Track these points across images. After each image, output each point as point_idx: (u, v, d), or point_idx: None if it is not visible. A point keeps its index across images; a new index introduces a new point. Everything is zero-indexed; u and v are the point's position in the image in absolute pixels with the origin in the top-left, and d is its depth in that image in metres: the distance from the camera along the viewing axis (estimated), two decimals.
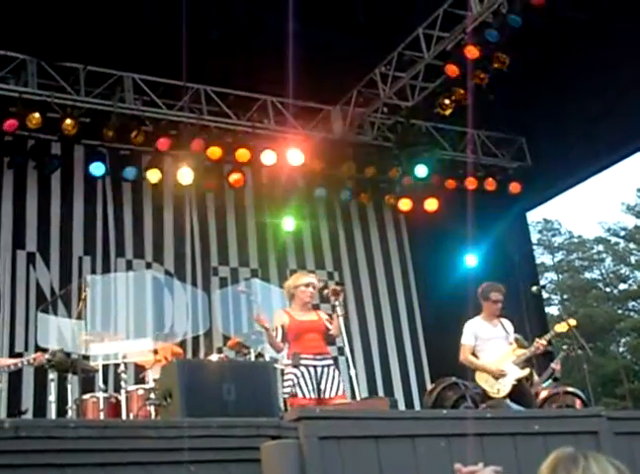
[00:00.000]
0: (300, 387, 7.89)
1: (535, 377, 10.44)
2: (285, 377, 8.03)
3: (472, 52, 12.03)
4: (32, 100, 12.20)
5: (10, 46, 12.05)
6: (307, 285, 8.46)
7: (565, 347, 10.81)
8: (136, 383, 10.11)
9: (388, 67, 13.58)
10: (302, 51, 12.09)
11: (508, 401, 8.83)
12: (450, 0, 12.27)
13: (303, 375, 7.93)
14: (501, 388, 9.34)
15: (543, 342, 9.63)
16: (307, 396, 7.89)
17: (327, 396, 7.99)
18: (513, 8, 11.55)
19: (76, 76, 12.67)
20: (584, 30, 12.85)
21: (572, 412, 7.72)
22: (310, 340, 8.20)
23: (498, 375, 9.35)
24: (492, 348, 9.59)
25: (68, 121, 12.30)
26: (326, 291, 9.01)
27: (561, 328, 9.78)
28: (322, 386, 7.99)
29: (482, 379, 9.47)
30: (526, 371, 9.50)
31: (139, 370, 10.47)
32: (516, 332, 9.95)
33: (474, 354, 9.63)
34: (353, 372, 8.68)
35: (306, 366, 7.99)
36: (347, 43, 13.70)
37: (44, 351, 9.14)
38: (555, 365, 10.62)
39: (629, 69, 13.50)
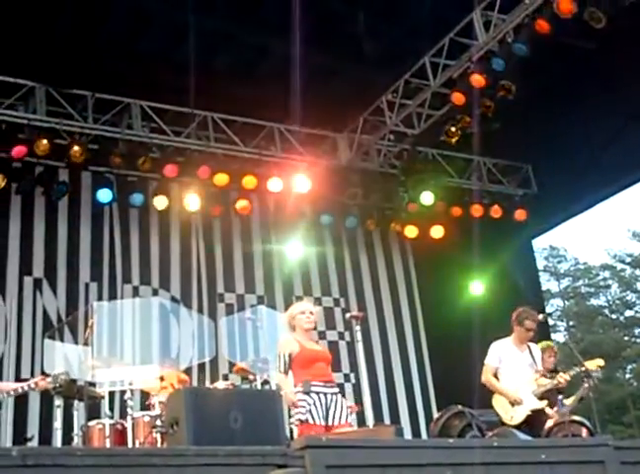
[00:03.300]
0: (311, 414, 7.89)
1: (566, 401, 10.22)
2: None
3: (478, 81, 12.08)
4: (40, 127, 12.28)
5: (19, 74, 12.13)
6: (303, 312, 8.47)
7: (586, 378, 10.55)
8: (142, 410, 10.11)
9: (395, 95, 13.65)
10: (309, 79, 12.16)
11: (514, 430, 8.81)
12: (457, 29, 12.35)
13: (315, 403, 7.93)
14: (515, 416, 9.31)
15: (567, 377, 9.58)
16: (318, 423, 7.90)
17: (335, 424, 7.99)
18: (518, 37, 11.60)
19: (84, 103, 12.76)
20: (590, 58, 12.89)
21: (578, 441, 7.67)
22: (320, 368, 8.21)
23: (514, 403, 9.34)
24: (515, 373, 9.54)
25: (76, 148, 12.36)
26: (348, 315, 9.06)
27: (590, 366, 9.68)
28: (330, 414, 8.00)
29: (498, 404, 9.45)
30: (544, 403, 9.45)
31: (145, 397, 10.48)
32: None
33: (496, 375, 9.61)
34: (367, 399, 8.71)
35: (317, 393, 8.00)
36: (353, 71, 13.76)
37: (48, 375, 9.15)
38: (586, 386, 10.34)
39: (635, 97, 13.54)
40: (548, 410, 9.56)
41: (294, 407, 7.94)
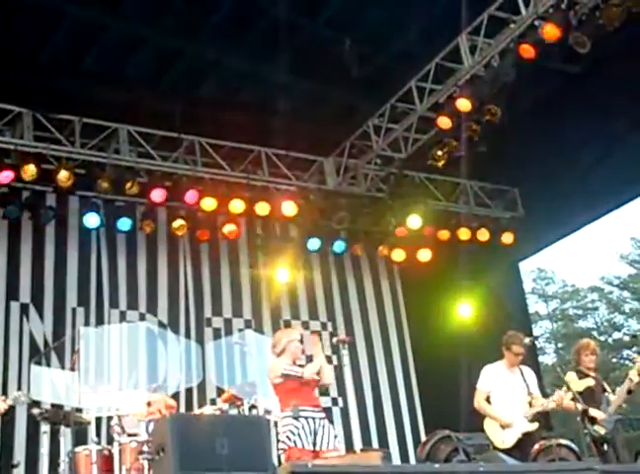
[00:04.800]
0: (300, 438, 7.89)
1: (611, 396, 10.06)
2: (284, 429, 8.01)
3: (464, 105, 12.14)
4: (27, 152, 12.26)
5: (5, 99, 12.13)
6: (300, 341, 8.51)
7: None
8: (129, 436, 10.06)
9: (381, 119, 13.70)
10: (296, 103, 12.21)
11: (501, 454, 8.80)
12: (443, 53, 12.41)
13: (303, 427, 7.94)
14: (505, 439, 9.30)
15: (559, 400, 9.56)
16: (306, 447, 7.90)
17: (322, 448, 7.99)
18: (504, 61, 11.66)
19: (71, 128, 12.74)
20: (575, 81, 12.98)
21: (566, 465, 7.68)
22: (307, 392, 8.24)
23: (505, 425, 9.34)
24: (507, 396, 9.55)
25: (63, 173, 12.35)
26: (335, 340, 9.06)
27: (578, 387, 9.66)
28: (318, 439, 8.01)
29: (490, 428, 9.44)
30: (535, 426, 9.43)
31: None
32: None
33: (488, 399, 9.61)
34: (355, 422, 8.70)
35: (305, 418, 8.01)
36: (339, 95, 13.82)
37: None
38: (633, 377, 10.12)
39: (620, 119, 13.63)
40: (594, 412, 9.47)
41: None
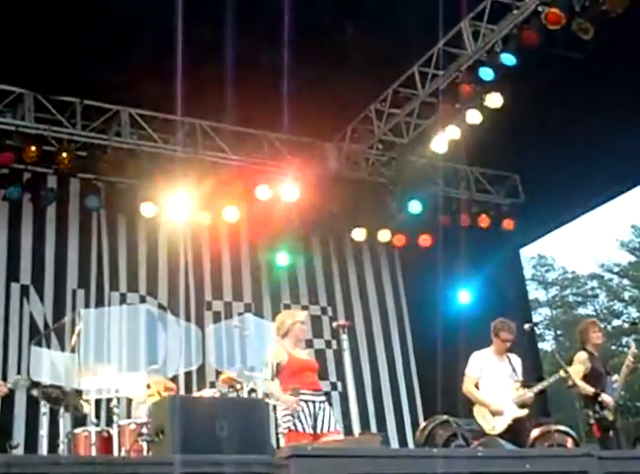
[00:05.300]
0: (300, 421, 7.90)
1: (615, 376, 10.06)
2: (283, 412, 8.01)
3: (466, 90, 12.13)
4: (28, 133, 12.26)
5: (7, 80, 12.12)
6: (303, 323, 8.52)
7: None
8: (128, 417, 10.08)
9: (383, 104, 13.69)
10: (298, 87, 12.17)
11: (500, 440, 8.81)
12: (445, 38, 12.38)
13: (303, 410, 7.94)
14: (496, 425, 9.30)
15: (546, 383, 9.60)
16: (306, 430, 7.91)
17: (322, 431, 8.00)
18: (506, 47, 11.65)
19: (73, 110, 12.75)
20: (577, 67, 12.94)
21: (563, 451, 7.69)
22: (308, 376, 8.24)
23: (495, 412, 9.34)
24: (495, 382, 9.55)
25: (64, 155, 12.37)
26: (335, 324, 9.06)
27: (579, 373, 9.66)
28: (318, 422, 8.01)
29: (479, 414, 9.44)
30: (524, 412, 9.44)
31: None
32: None
33: (477, 386, 9.63)
34: (354, 407, 8.71)
35: (305, 402, 8.01)
36: (342, 80, 13.77)
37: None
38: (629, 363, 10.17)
39: (623, 107, 13.58)
40: (605, 397, 9.49)
41: (294, 409, 7.92)
